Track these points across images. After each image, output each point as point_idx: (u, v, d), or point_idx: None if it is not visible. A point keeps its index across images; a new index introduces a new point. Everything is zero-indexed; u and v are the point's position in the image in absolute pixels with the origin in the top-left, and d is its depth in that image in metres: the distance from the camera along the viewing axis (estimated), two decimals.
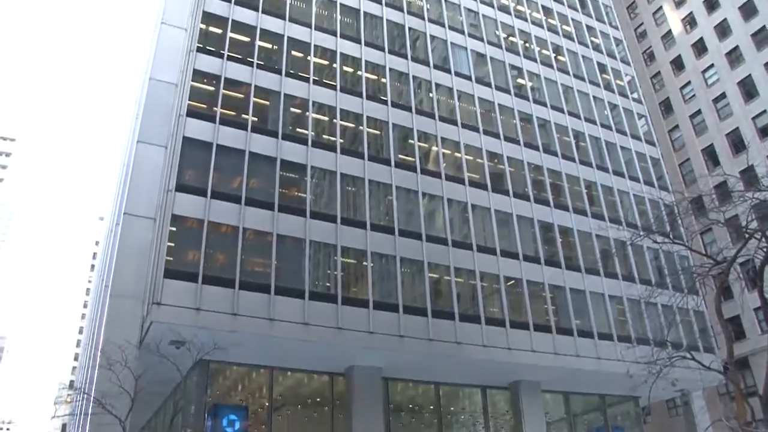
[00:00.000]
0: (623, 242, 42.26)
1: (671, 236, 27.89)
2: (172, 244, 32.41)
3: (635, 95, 59.75)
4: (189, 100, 36.61)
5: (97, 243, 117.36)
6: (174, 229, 32.77)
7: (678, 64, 71.29)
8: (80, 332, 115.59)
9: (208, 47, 39.24)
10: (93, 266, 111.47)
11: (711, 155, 64.68)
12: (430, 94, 45.84)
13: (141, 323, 33.28)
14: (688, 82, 69.66)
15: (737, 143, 62.23)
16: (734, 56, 65.02)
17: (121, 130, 69.50)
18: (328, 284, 35.94)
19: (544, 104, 51.15)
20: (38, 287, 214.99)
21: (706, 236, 57.77)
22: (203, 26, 39.88)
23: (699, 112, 67.42)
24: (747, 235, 22.50)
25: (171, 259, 31.79)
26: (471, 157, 44.45)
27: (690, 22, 70.91)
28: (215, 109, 37.08)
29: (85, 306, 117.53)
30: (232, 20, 40.71)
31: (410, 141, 42.73)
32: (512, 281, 41.23)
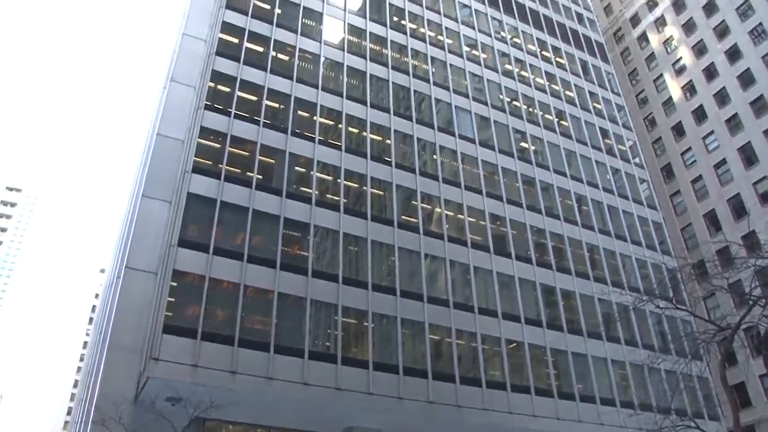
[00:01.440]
0: (626, 306, 41.96)
1: (674, 301, 27.69)
2: (173, 299, 32.30)
3: (637, 160, 60.39)
4: (195, 156, 37.10)
5: (96, 296, 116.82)
6: (175, 284, 32.72)
7: (679, 130, 72.13)
8: (75, 386, 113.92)
9: (216, 105, 39.99)
10: (91, 319, 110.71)
11: (712, 220, 64.76)
12: (434, 156, 46.38)
13: (137, 378, 32.76)
14: (689, 148, 70.32)
15: (738, 209, 62.33)
16: (734, 123, 65.85)
17: (125, 183, 69.97)
18: (328, 344, 35.60)
19: (547, 168, 51.68)
20: (36, 339, 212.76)
21: (709, 301, 57.31)
22: (212, 84, 40.78)
23: (700, 177, 67.83)
24: (751, 302, 22.38)
25: (170, 314, 31.63)
26: (474, 219, 44.65)
27: (690, 89, 72.10)
28: (221, 166, 37.54)
29: (81, 359, 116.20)
30: (241, 79, 41.64)
31: (413, 202, 43.02)
32: (514, 344, 40.80)
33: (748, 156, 63.29)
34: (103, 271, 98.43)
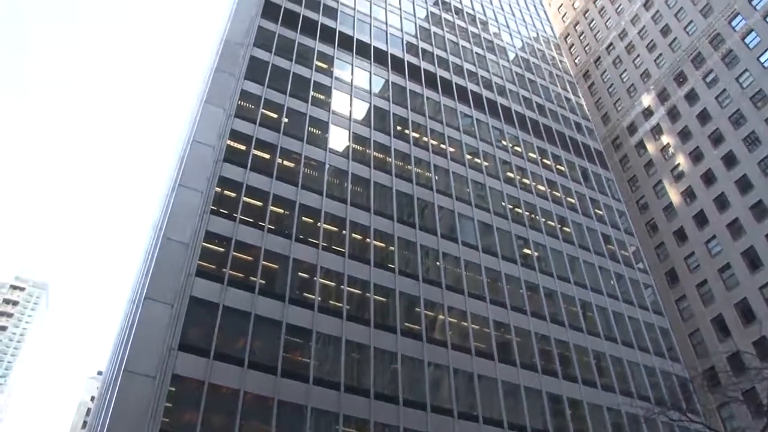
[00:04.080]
0: (636, 416, 40.86)
1: (687, 413, 27.00)
2: (170, 405, 31.67)
3: (640, 265, 60.38)
4: (199, 260, 37.33)
5: (92, 398, 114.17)
6: (173, 389, 32.25)
7: (681, 235, 72.47)
8: None
9: (221, 210, 40.57)
10: (86, 423, 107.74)
11: (721, 325, 63.82)
12: (438, 263, 46.51)
13: None
14: (692, 253, 70.38)
15: (747, 313, 61.58)
16: (735, 227, 66.20)
17: (126, 285, 69.78)
18: None
19: (551, 274, 51.66)
20: None
21: (723, 410, 55.77)
22: (218, 189, 41.54)
23: (705, 282, 67.48)
24: None
25: (168, 420, 31.02)
26: (478, 327, 44.23)
27: (689, 195, 73.00)
28: (224, 270, 37.67)
29: None
30: (247, 185, 42.47)
31: (417, 309, 42.78)
32: None
33: (752, 260, 63.22)
34: (100, 373, 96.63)
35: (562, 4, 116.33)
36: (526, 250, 52.52)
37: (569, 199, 60.75)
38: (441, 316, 43.49)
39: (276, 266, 39.88)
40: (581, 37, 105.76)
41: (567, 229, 57.10)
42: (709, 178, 71.09)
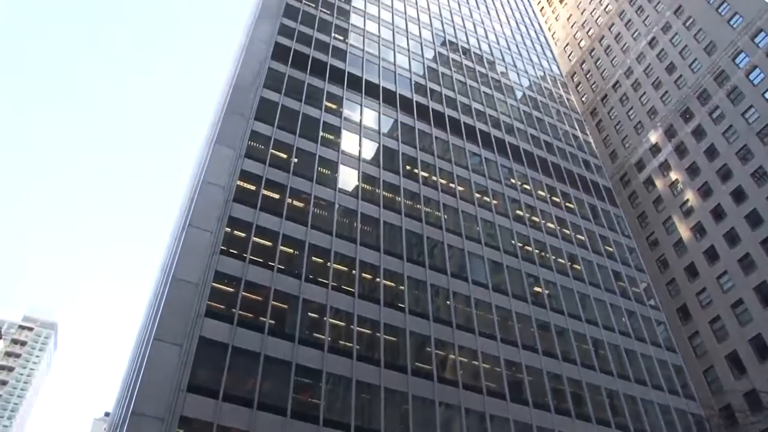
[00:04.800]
0: None
1: None
2: None
3: (652, 302, 59.90)
4: (209, 300, 37.33)
5: None
6: (182, 431, 31.85)
7: (692, 271, 72.03)
8: None
9: (231, 250, 40.67)
10: None
11: (735, 362, 62.97)
12: (448, 302, 46.35)
13: None
14: (704, 289, 69.87)
15: (762, 349, 60.76)
16: (746, 263, 65.75)
17: (134, 325, 69.63)
18: None
19: (562, 312, 51.33)
20: None
21: None
22: (228, 230, 41.70)
23: (718, 317, 66.79)
24: None
25: None
26: (489, 366, 43.84)
27: (699, 230, 72.78)
28: (234, 310, 37.66)
29: None
30: (257, 225, 42.63)
31: (427, 349, 42.49)
32: None
33: (765, 295, 62.67)
34: (107, 414, 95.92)
35: (568, 44, 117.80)
36: (536, 288, 52.29)
37: (579, 236, 60.64)
38: (452, 356, 43.15)
39: (286, 306, 39.83)
40: (588, 76, 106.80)
41: (577, 267, 56.88)
42: (718, 214, 70.94)
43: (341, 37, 65.79)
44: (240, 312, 37.72)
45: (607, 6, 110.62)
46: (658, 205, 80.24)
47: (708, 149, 75.42)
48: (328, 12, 68.16)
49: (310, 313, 40.31)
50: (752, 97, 72.17)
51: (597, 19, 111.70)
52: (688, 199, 75.74)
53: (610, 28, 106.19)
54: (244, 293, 38.81)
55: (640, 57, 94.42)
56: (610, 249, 62.05)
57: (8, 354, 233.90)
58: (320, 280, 41.85)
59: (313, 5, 67.41)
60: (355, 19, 70.28)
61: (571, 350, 48.91)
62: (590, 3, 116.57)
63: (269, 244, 42.34)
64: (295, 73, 56.52)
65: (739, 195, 69.17)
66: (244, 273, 39.57)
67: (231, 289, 38.98)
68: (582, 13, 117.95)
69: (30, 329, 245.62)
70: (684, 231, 74.58)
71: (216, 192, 43.97)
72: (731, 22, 79.94)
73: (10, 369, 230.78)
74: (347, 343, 39.74)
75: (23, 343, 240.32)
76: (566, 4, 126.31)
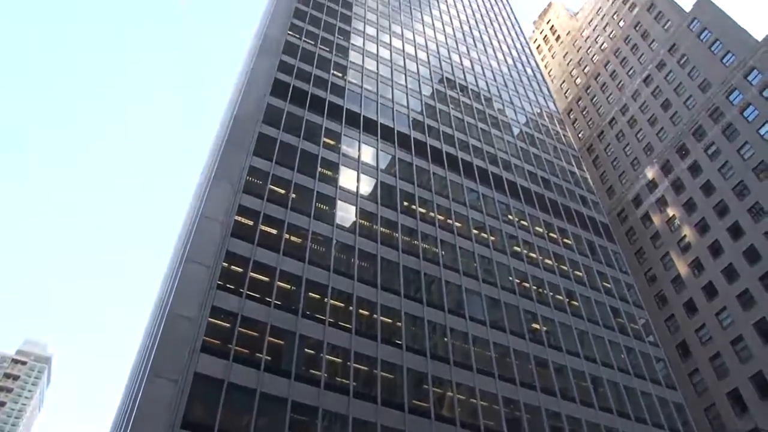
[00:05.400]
0: None
1: None
2: None
3: (651, 338, 59.56)
4: (205, 335, 37.06)
5: None
6: None
7: (690, 307, 71.82)
8: None
9: (228, 285, 40.51)
10: None
11: (737, 400, 62.37)
12: (445, 339, 46.03)
13: None
14: (703, 325, 69.58)
15: (763, 387, 60.21)
16: (746, 299, 65.61)
17: (129, 360, 68.92)
18: None
19: (560, 349, 50.99)
20: None
21: None
22: (225, 264, 41.56)
23: (718, 354, 66.36)
24: None
25: None
26: (486, 403, 43.35)
27: (697, 266, 72.76)
28: (230, 346, 37.38)
29: None
30: (254, 260, 42.49)
31: (424, 386, 42.08)
32: None
33: (765, 332, 62.37)
34: None
35: (564, 81, 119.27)
36: (534, 325, 52.01)
37: (577, 272, 60.55)
38: (449, 393, 42.72)
39: (282, 342, 39.57)
40: (584, 112, 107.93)
41: (575, 303, 56.67)
42: (716, 250, 71.03)
43: (340, 74, 66.50)
44: (236, 348, 37.47)
45: (602, 44, 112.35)
46: (656, 241, 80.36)
47: (704, 185, 75.87)
48: (327, 49, 69.02)
49: (306, 349, 40.03)
50: (747, 134, 72.89)
51: (593, 56, 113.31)
52: (685, 235, 75.89)
53: (605, 66, 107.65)
54: (240, 329, 38.57)
55: (636, 94, 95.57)
56: (608, 285, 61.90)
57: (0, 388, 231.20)
58: (317, 315, 41.63)
59: (313, 42, 68.31)
60: (353, 57, 71.14)
61: (569, 387, 48.46)
62: (586, 41, 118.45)
63: (266, 279, 42.20)
64: (294, 109, 57.00)
65: (736, 231, 69.36)
66: (240, 308, 39.38)
67: (227, 325, 38.74)
68: (578, 51, 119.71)
69: (23, 363, 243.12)
70: (682, 267, 74.55)
71: (214, 227, 43.92)
72: (724, 60, 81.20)
73: (2, 404, 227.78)
74: (344, 380, 39.38)
75: (16, 378, 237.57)
76: (562, 42, 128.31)
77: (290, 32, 67.42)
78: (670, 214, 79.50)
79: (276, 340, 39.45)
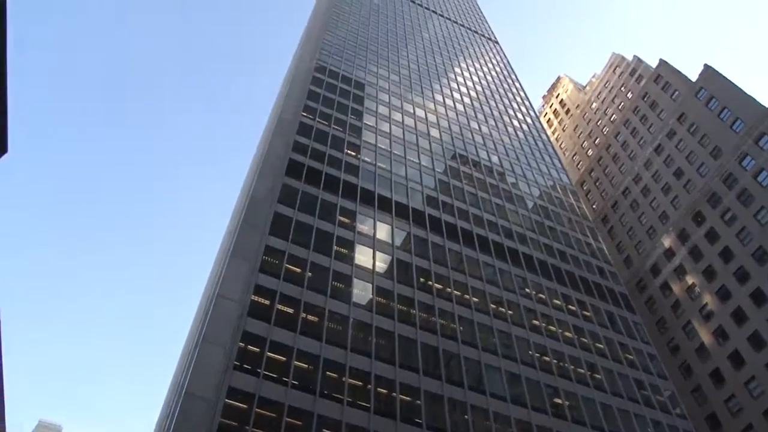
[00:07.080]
0: None
1: None
2: None
3: (678, 410, 57.87)
4: (221, 417, 36.81)
5: None
6: None
7: (717, 377, 70.00)
8: None
9: (245, 365, 40.41)
10: None
11: None
12: (465, 416, 45.12)
13: None
14: (732, 395, 67.63)
15: None
16: None
17: None
18: None
19: (584, 423, 49.64)
20: None
21: None
22: (242, 345, 41.56)
23: (751, 426, 64.19)
24: None
25: None
26: None
27: (721, 334, 71.34)
28: (247, 428, 37.10)
29: None
30: (271, 340, 42.45)
31: None
32: None
33: None
34: None
35: (576, 153, 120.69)
36: (556, 400, 50.87)
37: (597, 344, 59.57)
38: None
39: (300, 423, 39.08)
40: (597, 183, 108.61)
41: (597, 376, 55.52)
42: (739, 317, 69.76)
43: (353, 153, 67.88)
44: (253, 429, 37.12)
45: (611, 116, 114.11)
46: (677, 310, 79.17)
47: (723, 251, 75.27)
48: (341, 129, 70.73)
49: (325, 430, 39.39)
50: (762, 198, 72.79)
51: (603, 128, 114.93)
52: (706, 303, 74.79)
53: (616, 137, 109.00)
54: (257, 410, 38.26)
55: (648, 163, 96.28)
56: (630, 356, 60.69)
57: None
58: (335, 395, 41.20)
59: (326, 123, 70.10)
60: (367, 136, 72.75)
61: None
62: (595, 113, 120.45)
63: (283, 359, 42.04)
64: (309, 189, 57.99)
65: (759, 296, 68.30)
66: (257, 389, 39.16)
67: (245, 406, 38.44)
68: (588, 123, 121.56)
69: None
70: (705, 335, 73.13)
71: (230, 306, 44.16)
72: (734, 127, 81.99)
73: None
74: None
75: None
76: (572, 114, 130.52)
77: (304, 113, 69.37)
78: (690, 282, 78.59)
79: (294, 421, 39.00)
